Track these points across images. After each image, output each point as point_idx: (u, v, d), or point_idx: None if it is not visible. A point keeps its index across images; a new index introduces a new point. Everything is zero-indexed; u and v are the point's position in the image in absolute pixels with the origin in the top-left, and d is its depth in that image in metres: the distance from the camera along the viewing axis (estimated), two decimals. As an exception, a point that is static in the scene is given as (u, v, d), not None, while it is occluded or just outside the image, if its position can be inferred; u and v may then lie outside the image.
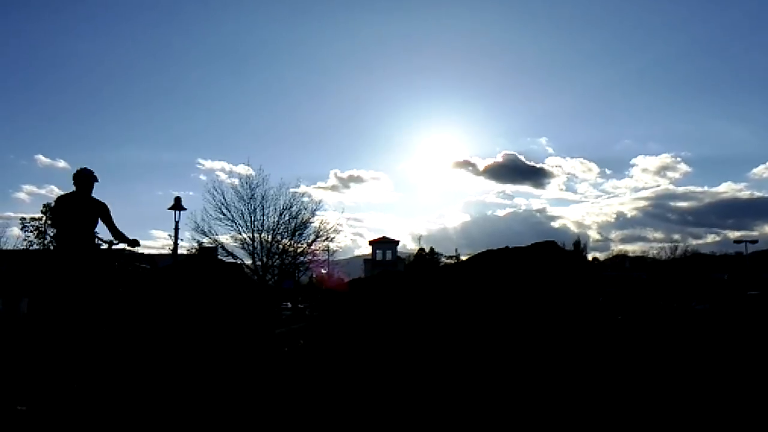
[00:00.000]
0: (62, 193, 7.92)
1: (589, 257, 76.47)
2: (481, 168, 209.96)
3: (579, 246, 74.98)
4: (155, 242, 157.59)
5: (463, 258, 76.90)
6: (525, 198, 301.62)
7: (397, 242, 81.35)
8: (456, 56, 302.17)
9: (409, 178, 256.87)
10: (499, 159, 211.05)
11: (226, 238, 37.09)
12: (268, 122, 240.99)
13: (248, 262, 37.00)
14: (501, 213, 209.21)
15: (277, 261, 38.36)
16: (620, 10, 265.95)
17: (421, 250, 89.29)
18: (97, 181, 7.73)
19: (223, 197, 36.36)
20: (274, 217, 36.99)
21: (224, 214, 36.14)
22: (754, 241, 50.48)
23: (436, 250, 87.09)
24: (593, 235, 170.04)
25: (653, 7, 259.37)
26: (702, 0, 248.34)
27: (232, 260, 33.97)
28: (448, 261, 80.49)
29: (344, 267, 77.29)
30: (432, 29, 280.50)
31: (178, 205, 27.47)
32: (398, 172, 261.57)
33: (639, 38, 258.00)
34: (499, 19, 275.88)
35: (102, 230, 7.66)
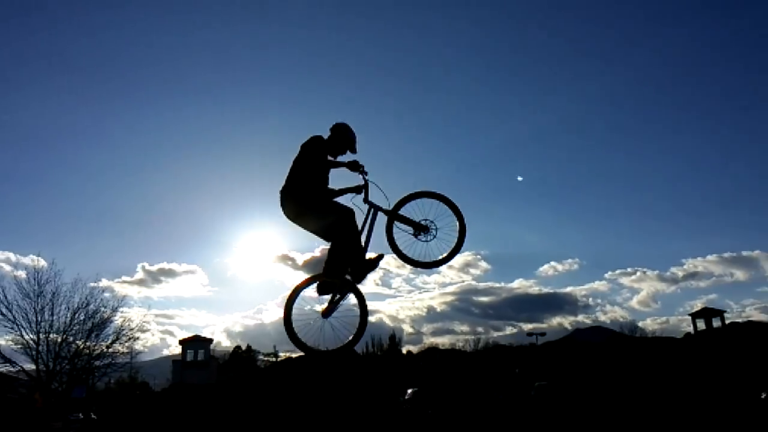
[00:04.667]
0: None
1: (404, 351, 78.74)
2: (300, 262, 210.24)
3: (394, 340, 76.95)
4: None
5: (282, 355, 75.16)
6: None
7: (211, 341, 76.92)
8: (271, 149, 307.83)
9: (226, 272, 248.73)
10: (317, 253, 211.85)
11: (4, 341, 32.38)
12: (67, 210, 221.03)
13: (30, 368, 32.50)
14: (320, 308, 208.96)
15: (67, 366, 34.13)
16: (420, 126, 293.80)
17: (238, 347, 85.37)
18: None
19: (3, 294, 32.08)
20: (66, 316, 33.25)
21: (3, 314, 31.71)
22: (542, 334, 56.97)
23: (253, 347, 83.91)
24: (407, 328, 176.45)
25: (449, 121, 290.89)
26: (489, 115, 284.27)
27: (9, 367, 29.70)
28: (267, 359, 77.73)
29: (150, 369, 71.03)
30: (248, 123, 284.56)
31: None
32: (214, 266, 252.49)
33: (441, 148, 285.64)
34: (315, 112, 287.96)
35: None
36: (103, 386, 51.16)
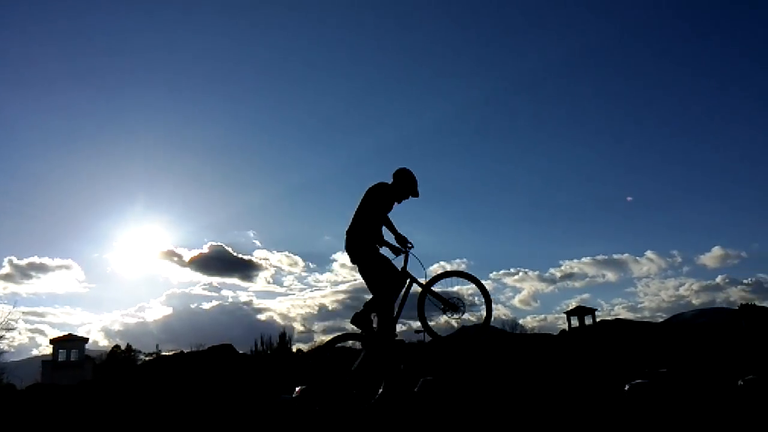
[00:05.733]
0: None
1: (294, 349, 78.08)
2: (187, 259, 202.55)
3: (284, 338, 76.00)
4: None
5: (165, 354, 71.91)
6: (232, 290, 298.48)
7: (86, 340, 72.31)
8: (158, 145, 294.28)
9: (106, 268, 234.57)
10: (206, 250, 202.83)
11: None
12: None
13: None
14: (207, 306, 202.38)
15: None
16: (299, 125, 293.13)
17: (116, 347, 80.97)
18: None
19: None
20: None
21: None
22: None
23: (133, 346, 79.83)
24: (298, 326, 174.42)
25: (332, 121, 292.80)
26: (380, 114, 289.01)
27: None
28: (148, 358, 74.25)
29: (17, 370, 65.95)
30: (133, 115, 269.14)
31: None
32: (92, 261, 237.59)
33: (324, 149, 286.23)
34: (203, 110, 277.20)
35: None
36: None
